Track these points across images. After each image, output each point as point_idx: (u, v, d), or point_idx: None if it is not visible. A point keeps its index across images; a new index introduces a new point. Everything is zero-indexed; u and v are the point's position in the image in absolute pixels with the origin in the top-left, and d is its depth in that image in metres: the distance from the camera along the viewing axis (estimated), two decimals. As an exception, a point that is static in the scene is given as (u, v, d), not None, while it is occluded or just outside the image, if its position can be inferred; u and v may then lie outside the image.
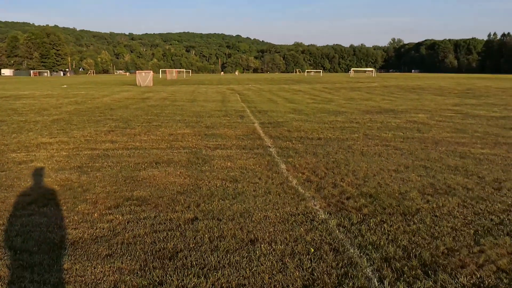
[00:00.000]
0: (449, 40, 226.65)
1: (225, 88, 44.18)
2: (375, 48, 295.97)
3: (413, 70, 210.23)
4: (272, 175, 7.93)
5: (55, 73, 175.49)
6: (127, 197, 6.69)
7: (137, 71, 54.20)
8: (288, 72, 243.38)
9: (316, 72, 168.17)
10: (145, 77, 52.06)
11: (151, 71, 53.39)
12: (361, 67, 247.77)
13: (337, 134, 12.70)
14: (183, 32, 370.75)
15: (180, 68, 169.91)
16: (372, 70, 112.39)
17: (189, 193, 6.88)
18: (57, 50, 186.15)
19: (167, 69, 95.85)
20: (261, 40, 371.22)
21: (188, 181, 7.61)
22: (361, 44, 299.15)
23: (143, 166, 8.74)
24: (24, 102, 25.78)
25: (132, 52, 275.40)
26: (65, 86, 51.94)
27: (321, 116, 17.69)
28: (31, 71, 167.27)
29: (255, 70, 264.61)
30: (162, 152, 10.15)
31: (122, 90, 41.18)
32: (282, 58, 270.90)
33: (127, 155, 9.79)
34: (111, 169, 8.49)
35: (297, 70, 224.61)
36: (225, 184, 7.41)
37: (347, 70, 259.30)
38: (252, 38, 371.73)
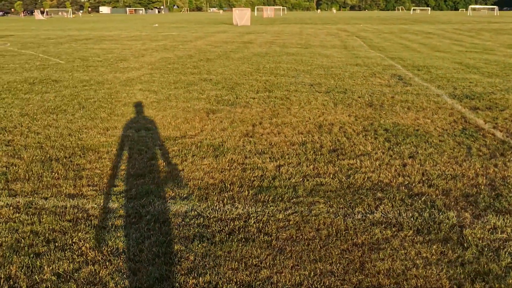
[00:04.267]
0: None
1: (335, 29, 37.17)
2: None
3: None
4: None
5: (150, 10, 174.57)
6: None
7: (233, 9, 48.33)
8: (388, 10, 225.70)
9: (423, 10, 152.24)
10: (242, 15, 46.11)
11: (249, 9, 47.24)
12: (470, 4, 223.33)
13: None
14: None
15: (274, 5, 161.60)
16: (495, 8, 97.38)
17: None
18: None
19: (263, 7, 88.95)
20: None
21: None
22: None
23: None
24: (104, 46, 20.96)
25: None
26: (156, 25, 47.41)
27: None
28: (127, 8, 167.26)
29: (352, 8, 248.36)
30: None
31: (218, 30, 35.62)
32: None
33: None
34: None
35: (400, 7, 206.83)
36: None
37: (453, 8, 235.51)
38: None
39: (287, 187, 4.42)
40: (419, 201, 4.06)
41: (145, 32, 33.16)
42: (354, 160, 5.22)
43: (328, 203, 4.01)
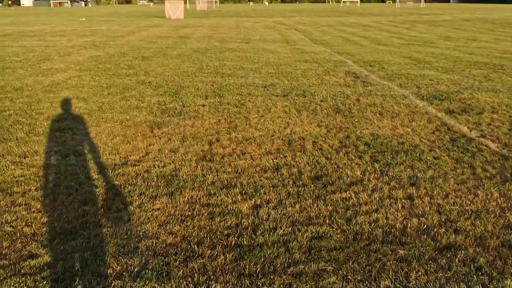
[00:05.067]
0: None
1: (272, 22, 36.34)
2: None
3: (452, 1, 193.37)
4: None
5: (76, 3, 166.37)
6: None
7: (165, 1, 46.18)
8: (318, 2, 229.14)
9: (352, 2, 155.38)
10: (175, 8, 44.22)
11: (182, 1, 45.32)
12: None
13: None
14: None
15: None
16: (421, 0, 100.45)
17: None
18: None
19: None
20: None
21: None
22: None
23: None
24: (24, 44, 18.79)
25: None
26: (83, 19, 44.52)
27: (487, 76, 10.43)
28: (51, 1, 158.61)
29: (283, 1, 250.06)
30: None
31: (150, 24, 33.74)
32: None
33: None
34: None
35: (330, 0, 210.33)
36: None
37: (381, 1, 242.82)
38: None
39: (275, 244, 3.26)
40: (457, 261, 3.03)
41: (71, 27, 30.71)
42: (347, 192, 4.15)
43: (340, 272, 2.90)
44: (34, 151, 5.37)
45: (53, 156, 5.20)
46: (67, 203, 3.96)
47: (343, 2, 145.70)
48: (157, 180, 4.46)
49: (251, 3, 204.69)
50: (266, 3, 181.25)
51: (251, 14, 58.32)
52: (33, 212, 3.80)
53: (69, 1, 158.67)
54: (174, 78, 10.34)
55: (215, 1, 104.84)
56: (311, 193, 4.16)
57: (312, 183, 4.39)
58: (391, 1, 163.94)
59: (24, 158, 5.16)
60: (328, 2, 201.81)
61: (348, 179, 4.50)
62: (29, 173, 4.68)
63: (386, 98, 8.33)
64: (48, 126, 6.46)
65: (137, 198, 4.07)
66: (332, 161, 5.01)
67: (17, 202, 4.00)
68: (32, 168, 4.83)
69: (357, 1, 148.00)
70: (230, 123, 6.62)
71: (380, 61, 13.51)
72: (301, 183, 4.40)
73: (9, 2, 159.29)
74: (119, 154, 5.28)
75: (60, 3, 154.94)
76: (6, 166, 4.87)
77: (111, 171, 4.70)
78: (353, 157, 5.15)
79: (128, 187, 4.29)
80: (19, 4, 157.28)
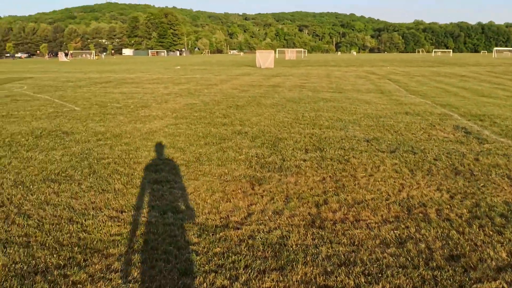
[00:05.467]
0: None
1: (362, 72, 35.70)
2: (507, 25, 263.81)
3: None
4: None
5: (171, 52, 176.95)
6: None
7: (257, 51, 47.35)
8: (408, 52, 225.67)
9: (444, 52, 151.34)
10: (265, 57, 45.07)
11: (273, 51, 46.25)
12: (490, 47, 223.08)
13: None
14: (296, 12, 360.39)
15: (293, 48, 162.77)
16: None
17: None
18: (174, 30, 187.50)
19: (284, 49, 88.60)
20: (376, 18, 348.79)
21: None
22: (490, 21, 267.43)
23: None
24: (124, 90, 19.60)
25: (245, 31, 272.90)
26: (178, 67, 46.63)
27: None
28: (149, 50, 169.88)
29: (372, 50, 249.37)
30: None
31: (242, 72, 34.40)
32: (401, 37, 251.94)
33: None
34: None
35: (421, 49, 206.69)
36: None
37: (474, 50, 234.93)
38: (366, 17, 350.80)
39: None
40: None
41: (168, 75, 32.05)
42: (497, 282, 3.34)
43: None
44: (131, 206, 5.08)
45: (150, 212, 4.87)
46: (165, 272, 3.52)
47: (434, 52, 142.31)
48: (263, 250, 3.92)
49: (339, 52, 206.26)
50: (354, 53, 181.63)
51: (340, 63, 58.19)
52: (130, 281, 3.38)
53: (165, 51, 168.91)
54: (271, 129, 9.97)
55: (303, 51, 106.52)
56: (451, 279, 3.40)
57: (449, 266, 3.62)
58: (486, 51, 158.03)
59: (122, 213, 4.87)
60: (418, 52, 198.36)
61: (493, 262, 3.68)
62: (126, 231, 4.34)
63: (510, 159, 7.33)
64: (145, 177, 6.22)
65: (243, 271, 3.53)
66: (466, 237, 4.21)
67: (112, 267, 3.62)
68: (129, 225, 4.50)
69: (449, 51, 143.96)
70: (337, 182, 6.00)
71: (489, 115, 12.39)
72: (435, 264, 3.65)
73: (112, 51, 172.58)
74: (219, 213, 4.83)
75: (157, 52, 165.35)
76: (103, 222, 4.58)
77: (212, 235, 4.24)
78: (490, 232, 4.32)
79: (232, 256, 3.78)
80: (120, 53, 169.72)
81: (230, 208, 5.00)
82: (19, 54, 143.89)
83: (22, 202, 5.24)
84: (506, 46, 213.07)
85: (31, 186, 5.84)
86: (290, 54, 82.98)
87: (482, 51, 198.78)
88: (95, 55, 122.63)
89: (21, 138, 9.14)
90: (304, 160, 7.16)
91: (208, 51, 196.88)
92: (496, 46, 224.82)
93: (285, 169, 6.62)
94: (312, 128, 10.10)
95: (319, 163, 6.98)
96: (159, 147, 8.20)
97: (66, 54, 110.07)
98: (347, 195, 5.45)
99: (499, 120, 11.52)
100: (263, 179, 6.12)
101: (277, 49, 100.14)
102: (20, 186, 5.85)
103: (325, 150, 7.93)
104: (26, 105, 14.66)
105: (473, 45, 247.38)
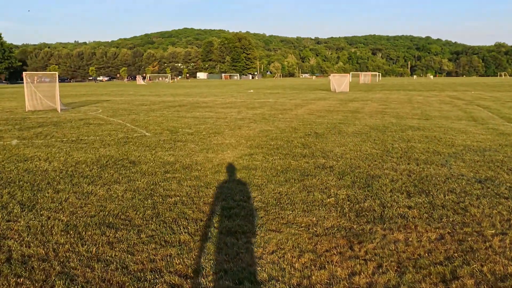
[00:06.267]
0: None
1: (446, 97, 33.37)
2: None
3: None
4: None
5: (244, 76, 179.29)
6: None
7: (331, 74, 46.05)
8: (488, 76, 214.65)
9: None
10: (340, 81, 43.63)
11: (348, 75, 44.70)
12: None
13: None
14: (369, 35, 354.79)
15: (366, 71, 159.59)
16: None
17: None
18: (247, 54, 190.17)
19: (358, 72, 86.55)
20: (453, 41, 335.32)
21: None
22: None
23: None
24: (197, 115, 18.98)
25: (317, 55, 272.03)
26: (251, 91, 46.23)
27: None
28: (223, 74, 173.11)
29: (449, 74, 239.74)
30: None
31: (317, 97, 33.20)
32: (480, 60, 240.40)
33: None
34: None
35: (503, 73, 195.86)
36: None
37: None
38: (443, 40, 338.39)
39: None
40: None
41: (241, 99, 31.47)
42: None
43: None
44: (198, 267, 3.96)
45: (222, 279, 3.72)
46: None
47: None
48: None
49: (415, 76, 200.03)
50: (431, 76, 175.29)
51: (418, 87, 55.51)
52: None
53: (238, 74, 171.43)
54: (359, 163, 8.64)
55: (378, 74, 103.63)
56: None
57: None
58: None
59: (186, 279, 3.76)
60: (501, 75, 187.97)
61: None
62: (190, 312, 3.20)
63: None
64: (217, 224, 5.12)
65: None
66: None
67: None
68: (195, 301, 3.36)
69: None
70: (460, 242, 4.60)
71: None
72: None
73: (187, 75, 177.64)
74: (313, 286, 3.59)
75: (230, 75, 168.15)
76: (162, 295, 3.48)
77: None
78: None
79: None
80: (195, 77, 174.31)
81: (326, 279, 3.76)
82: (100, 78, 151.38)
83: (69, 256, 4.29)
84: None
85: (84, 233, 4.90)
86: (364, 77, 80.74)
87: None
88: (171, 79, 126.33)
89: (85, 167, 8.42)
90: (409, 208, 5.78)
91: (280, 75, 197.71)
92: None
93: (388, 220, 5.29)
94: (408, 163, 8.66)
95: (429, 213, 5.58)
96: (233, 183, 7.14)
97: (144, 78, 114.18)
98: (482, 265, 4.04)
99: None
100: (363, 234, 4.82)
101: (350, 73, 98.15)
102: (71, 232, 4.93)
103: (431, 193, 6.50)
104: (97, 129, 14.25)
105: None
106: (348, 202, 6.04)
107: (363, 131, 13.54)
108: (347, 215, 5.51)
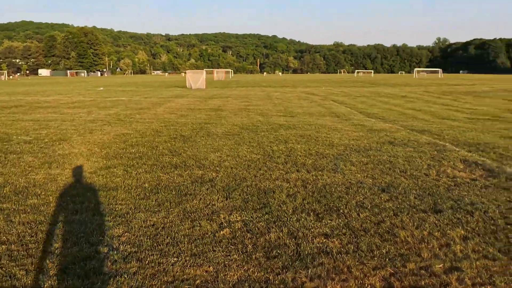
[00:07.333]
0: (500, 39, 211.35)
1: (301, 93, 34.05)
2: (419, 48, 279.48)
3: (461, 71, 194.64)
4: None
5: (92, 73, 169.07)
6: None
7: (187, 71, 44.45)
8: (329, 73, 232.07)
9: (366, 72, 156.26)
10: (196, 78, 42.37)
11: (204, 71, 43.55)
12: (405, 68, 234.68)
13: None
14: (219, 33, 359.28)
15: (218, 68, 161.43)
16: (439, 71, 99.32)
17: None
18: (95, 50, 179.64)
19: (213, 69, 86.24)
20: (297, 40, 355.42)
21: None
22: (404, 44, 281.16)
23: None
24: (37, 117, 16.05)
25: (168, 52, 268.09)
26: (101, 88, 42.65)
27: None
28: (68, 71, 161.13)
29: (295, 71, 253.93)
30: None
31: (174, 94, 31.43)
32: (322, 58, 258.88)
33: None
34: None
35: (343, 70, 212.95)
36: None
37: (390, 71, 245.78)
38: (288, 39, 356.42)
39: None
40: None
41: (90, 97, 28.35)
42: None
43: None
44: None
45: None
46: None
47: (357, 72, 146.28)
48: None
49: (264, 73, 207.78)
50: (280, 73, 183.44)
51: (271, 84, 56.66)
52: None
53: (85, 71, 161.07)
54: (243, 173, 7.24)
55: (231, 71, 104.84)
56: None
57: None
58: (403, 72, 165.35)
59: None
60: (340, 72, 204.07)
61: None
62: None
63: None
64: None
65: None
66: None
67: None
68: None
69: (370, 72, 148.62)
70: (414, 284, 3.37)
71: (484, 143, 10.52)
72: None
73: (27, 71, 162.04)
74: None
75: (76, 72, 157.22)
76: None
77: None
78: None
79: None
80: (36, 74, 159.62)
81: None
82: None
83: None
84: (419, 67, 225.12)
85: None
86: (218, 74, 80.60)
87: (399, 72, 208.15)
88: (8, 75, 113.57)
89: None
90: (327, 236, 4.50)
91: (131, 72, 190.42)
92: (410, 67, 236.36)
93: (309, 260, 3.92)
94: (297, 171, 7.50)
95: (354, 243, 4.35)
96: (87, 213, 5.21)
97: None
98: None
99: (502, 150, 9.63)
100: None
101: (204, 70, 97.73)
102: None
103: (342, 211, 5.33)
104: None
105: (389, 66, 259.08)
106: (248, 235, 4.56)
107: (234, 131, 12.26)
108: (253, 256, 4.02)
